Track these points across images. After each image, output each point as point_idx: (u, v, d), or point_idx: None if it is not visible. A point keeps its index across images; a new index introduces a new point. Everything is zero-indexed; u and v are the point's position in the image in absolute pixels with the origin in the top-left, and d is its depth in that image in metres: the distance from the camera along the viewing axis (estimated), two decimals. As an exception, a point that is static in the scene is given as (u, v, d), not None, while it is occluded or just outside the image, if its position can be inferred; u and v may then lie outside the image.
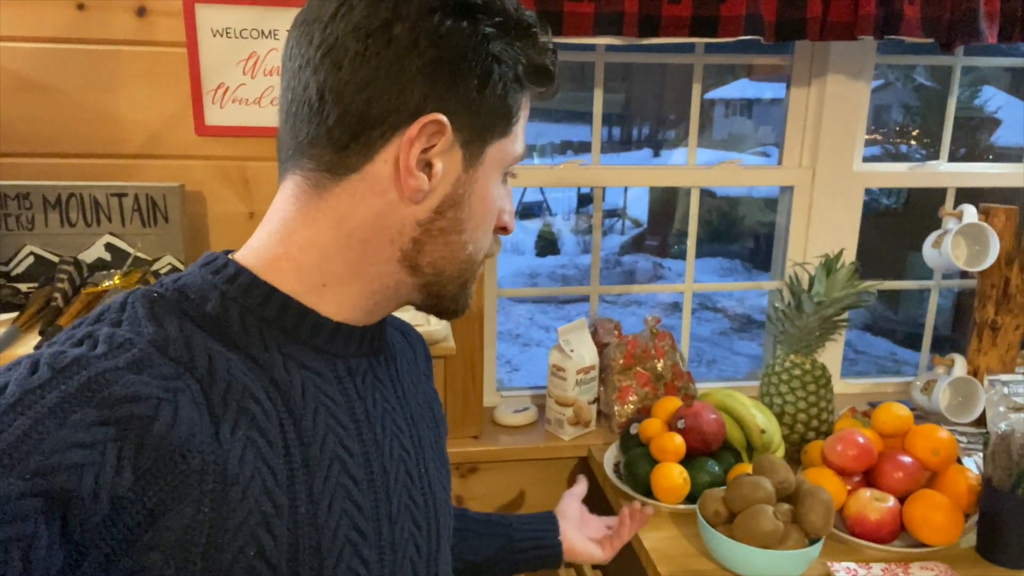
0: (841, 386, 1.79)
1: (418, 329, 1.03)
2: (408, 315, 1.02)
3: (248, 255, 0.61)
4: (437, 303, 0.66)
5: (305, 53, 0.57)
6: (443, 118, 0.56)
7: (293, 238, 0.60)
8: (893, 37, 1.37)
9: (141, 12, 1.26)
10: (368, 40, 0.55)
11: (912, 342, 5.76)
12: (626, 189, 11.04)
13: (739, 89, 13.00)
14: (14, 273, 1.22)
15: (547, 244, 9.59)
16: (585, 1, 1.29)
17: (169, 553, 0.49)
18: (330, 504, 0.57)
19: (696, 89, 1.62)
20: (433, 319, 1.05)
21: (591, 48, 1.54)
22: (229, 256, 0.61)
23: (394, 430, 0.67)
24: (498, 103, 0.59)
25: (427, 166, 0.58)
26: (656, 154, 12.35)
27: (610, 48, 1.54)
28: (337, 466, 0.59)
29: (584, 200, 11.23)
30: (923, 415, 1.60)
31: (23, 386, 0.47)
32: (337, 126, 0.56)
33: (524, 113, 0.64)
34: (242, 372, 0.55)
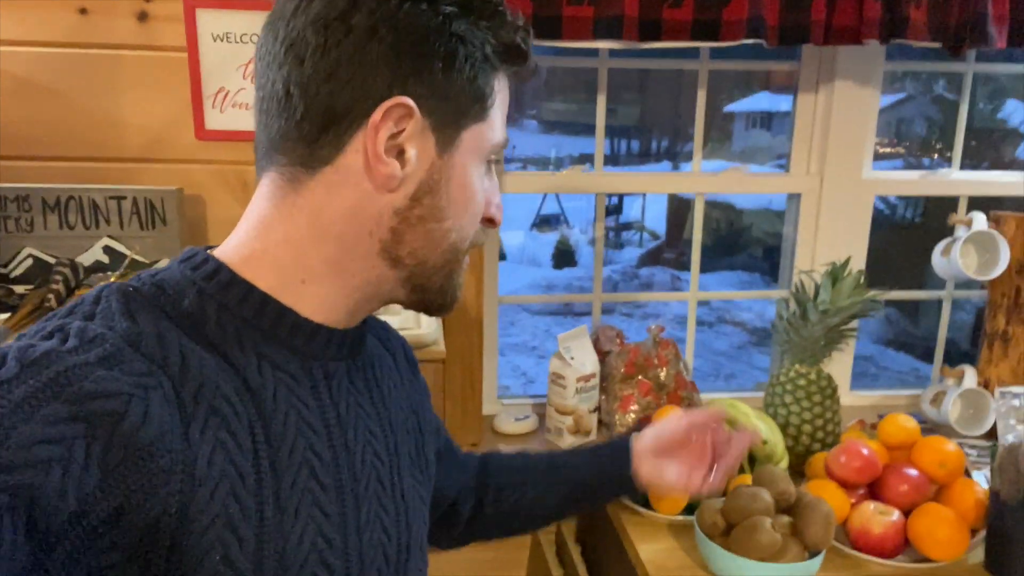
0: (851, 398, 1.76)
1: (408, 332, 1.02)
2: (398, 318, 1.01)
3: (227, 252, 0.60)
4: (422, 297, 0.64)
5: (272, 50, 0.57)
6: (408, 100, 0.56)
7: (271, 234, 0.59)
8: (899, 41, 1.35)
9: (142, 17, 1.27)
10: (327, 31, 0.55)
11: (934, 357, 5.67)
12: (644, 201, 11.04)
13: (758, 102, 12.97)
14: (13, 275, 1.22)
15: (564, 256, 9.58)
16: (584, 5, 1.28)
17: (132, 553, 0.48)
18: (296, 509, 0.56)
19: (701, 96, 1.60)
20: (424, 321, 1.04)
21: (595, 54, 1.53)
22: (209, 252, 0.60)
23: (367, 436, 0.65)
24: (468, 85, 0.58)
25: (400, 153, 0.57)
26: (675, 167, 12.33)
27: (614, 54, 1.53)
28: (305, 471, 0.58)
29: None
30: (933, 428, 1.57)
31: None
32: (305, 120, 0.56)
33: (501, 97, 0.62)
34: (215, 372, 0.54)
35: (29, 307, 1.08)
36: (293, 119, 0.57)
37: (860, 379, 5.72)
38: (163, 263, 1.26)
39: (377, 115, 0.55)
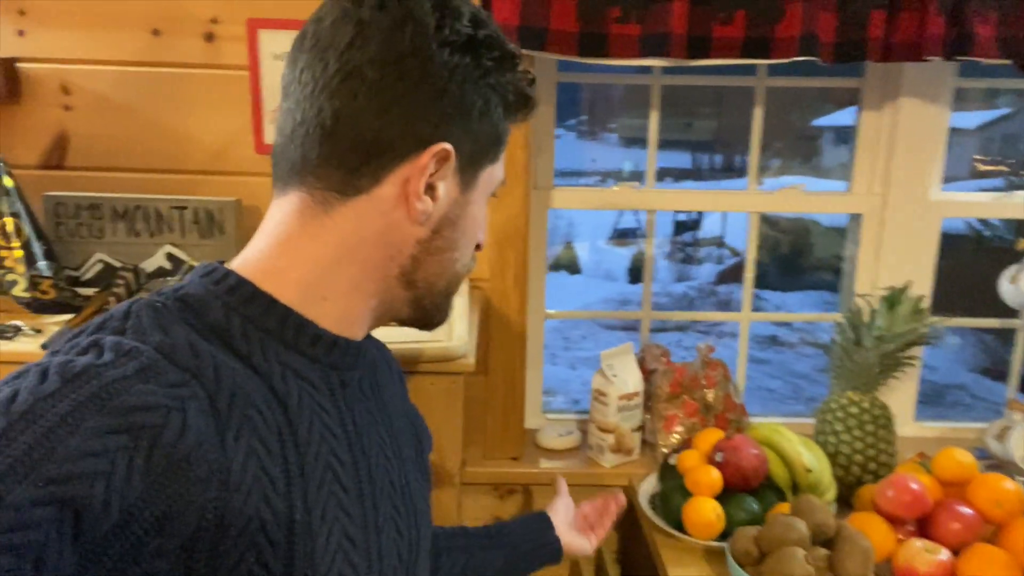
0: (915, 428, 1.67)
1: (437, 345, 1.05)
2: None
3: (246, 267, 0.62)
4: (423, 316, 0.70)
5: (320, 78, 0.59)
6: (451, 147, 0.61)
7: (296, 253, 0.62)
8: (965, 59, 1.29)
9: (209, 38, 1.35)
10: (384, 71, 0.59)
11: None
12: (725, 218, 10.81)
13: (850, 116, 12.50)
14: (84, 279, 1.31)
15: (639, 271, 9.47)
16: (631, 23, 1.28)
17: (175, 560, 0.50)
18: (323, 512, 0.58)
19: (758, 113, 1.57)
20: (455, 334, 1.06)
21: (648, 71, 1.53)
22: (228, 267, 0.62)
23: (379, 441, 0.69)
24: (492, 131, 0.65)
25: (430, 189, 0.62)
26: (759, 182, 12.01)
27: (667, 71, 1.52)
28: (330, 475, 0.60)
29: (680, 227, 11.04)
30: (998, 464, 1.47)
31: (34, 395, 0.47)
32: (350, 150, 0.60)
33: (509, 139, 0.69)
34: (245, 381, 0.56)
35: (92, 308, 1.15)
36: (338, 147, 0.60)
37: (953, 408, 5.42)
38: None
39: (425, 158, 0.60)
